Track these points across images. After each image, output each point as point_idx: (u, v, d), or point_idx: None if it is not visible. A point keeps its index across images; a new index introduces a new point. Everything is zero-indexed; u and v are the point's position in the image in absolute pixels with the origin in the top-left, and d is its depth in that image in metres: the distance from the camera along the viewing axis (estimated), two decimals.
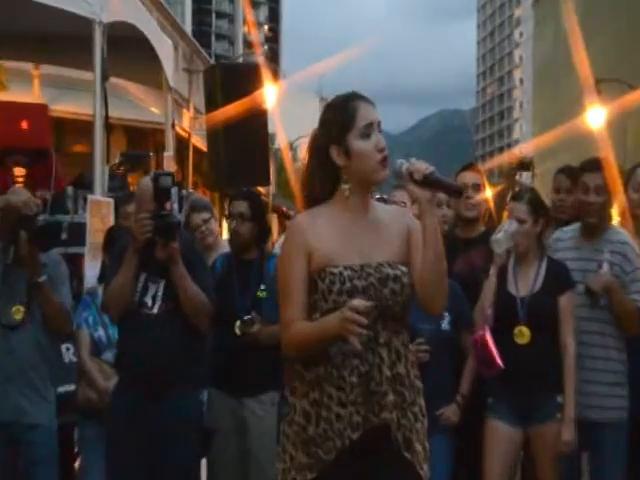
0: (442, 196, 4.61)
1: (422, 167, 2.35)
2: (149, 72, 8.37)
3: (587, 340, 3.67)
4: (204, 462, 3.93)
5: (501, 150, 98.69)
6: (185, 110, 13.63)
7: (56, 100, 8.92)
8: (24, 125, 6.11)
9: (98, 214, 5.15)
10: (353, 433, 2.31)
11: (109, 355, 4.10)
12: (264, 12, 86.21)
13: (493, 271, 3.66)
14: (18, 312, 3.49)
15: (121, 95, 10.24)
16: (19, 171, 5.75)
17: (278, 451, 2.46)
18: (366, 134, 2.37)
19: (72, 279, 4.06)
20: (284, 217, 24.84)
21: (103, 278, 4.29)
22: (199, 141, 12.99)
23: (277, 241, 9.55)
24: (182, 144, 12.57)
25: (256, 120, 6.07)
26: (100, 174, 5.54)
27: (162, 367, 3.39)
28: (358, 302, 2.23)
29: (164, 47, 7.71)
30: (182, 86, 12.98)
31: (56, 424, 3.70)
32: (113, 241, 4.19)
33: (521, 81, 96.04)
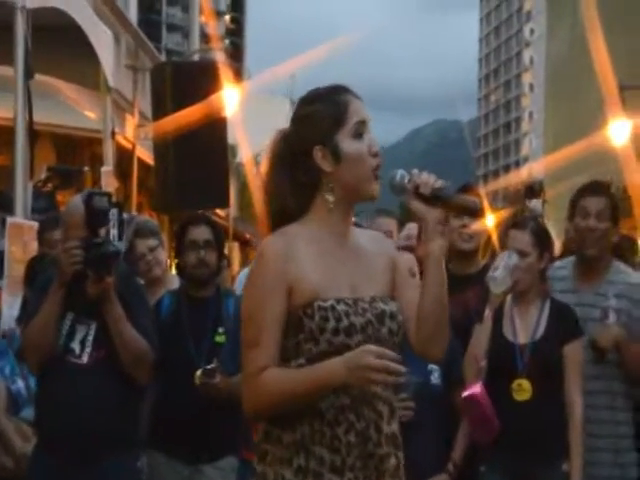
0: None
1: (431, 180, 2.33)
2: (83, 69, 8.39)
3: (593, 402, 3.71)
4: None
5: (507, 169, 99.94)
6: (128, 115, 13.65)
7: None
8: None
9: (19, 241, 5.13)
10: None
11: (30, 412, 4.06)
12: None
13: (488, 314, 3.67)
14: None
15: (49, 96, 10.23)
16: None
17: None
18: (358, 133, 2.33)
19: None
20: (247, 245, 24.82)
21: (23, 318, 4.28)
22: (145, 153, 12.99)
23: (239, 274, 9.55)
24: (124, 156, 12.56)
25: (213, 129, 6.10)
26: (22, 192, 5.54)
27: (91, 429, 3.37)
28: (378, 348, 2.20)
29: (102, 39, 7.75)
30: (125, 86, 13.01)
31: None
32: (36, 274, 4.18)
33: (531, 87, 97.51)
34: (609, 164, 16.42)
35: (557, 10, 57.45)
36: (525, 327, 3.71)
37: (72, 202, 3.65)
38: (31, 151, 5.74)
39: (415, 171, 2.35)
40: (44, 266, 4.18)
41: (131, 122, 13.23)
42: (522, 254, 3.71)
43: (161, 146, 6.44)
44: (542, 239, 3.77)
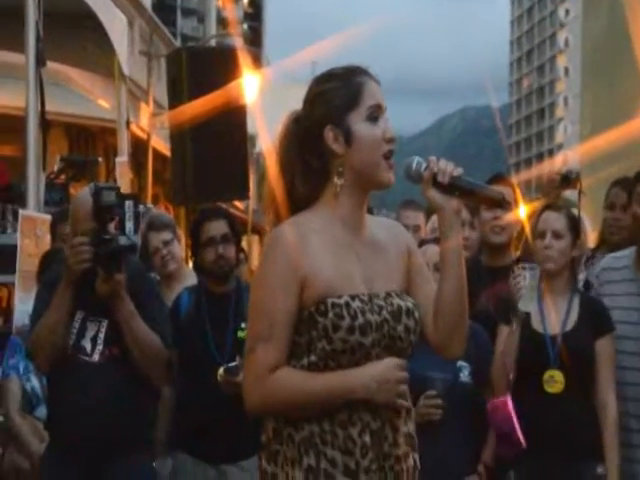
0: (464, 215, 4.66)
1: (449, 167, 2.31)
2: (97, 56, 8.45)
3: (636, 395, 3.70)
4: None
5: (540, 157, 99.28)
6: (143, 104, 13.71)
7: None
8: None
9: (32, 234, 5.17)
10: None
11: (45, 411, 4.11)
12: None
13: (516, 328, 3.66)
14: None
15: (61, 84, 10.31)
16: None
17: None
18: (373, 117, 2.31)
19: None
20: None
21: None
22: (160, 143, 13.05)
23: None
24: (139, 147, 12.62)
25: (232, 118, 6.12)
26: (34, 184, 5.58)
27: (103, 429, 3.39)
28: (400, 360, 2.24)
29: (116, 25, 7.78)
30: (139, 74, 13.06)
31: None
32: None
33: (566, 71, 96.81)
34: None
35: None
36: (555, 318, 3.70)
37: (79, 195, 3.66)
38: (43, 141, 5.77)
39: (432, 158, 2.34)
40: (58, 261, 4.23)
41: (146, 111, 13.29)
42: (556, 235, 3.70)
43: (177, 136, 6.47)
44: (576, 225, 3.76)
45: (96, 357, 3.46)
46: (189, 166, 6.17)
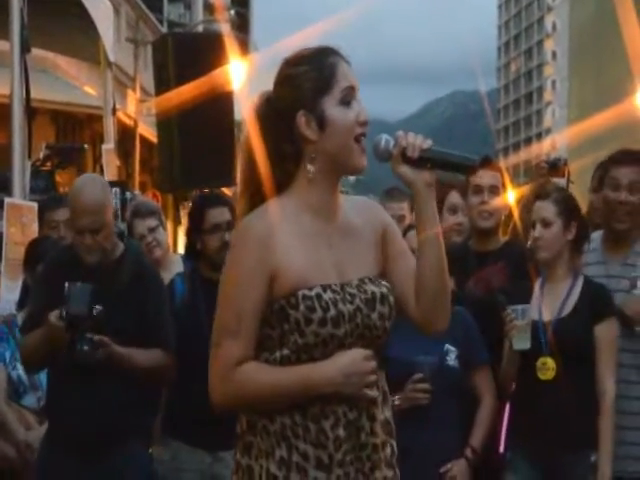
0: (457, 200, 4.67)
1: (418, 141, 2.25)
2: (82, 42, 8.40)
3: (622, 377, 3.70)
4: None
5: (528, 141, 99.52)
6: (130, 91, 13.67)
7: None
8: None
9: (17, 222, 5.16)
10: None
11: (32, 399, 4.11)
12: None
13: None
14: None
15: (47, 71, 10.28)
16: None
17: None
18: (346, 100, 2.25)
19: None
20: None
21: (24, 303, 4.31)
22: (147, 130, 13.03)
23: None
24: (126, 134, 12.61)
25: (219, 104, 6.10)
26: (20, 171, 5.55)
27: (103, 420, 3.41)
28: (368, 351, 2.21)
29: (101, 11, 7.74)
30: (125, 61, 13.03)
31: None
32: (37, 257, 4.21)
33: (554, 55, 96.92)
34: (638, 134, 16.34)
35: None
36: (551, 304, 3.70)
37: (75, 189, 3.61)
38: (29, 129, 5.74)
39: (400, 133, 2.28)
40: (45, 250, 4.21)
41: (133, 98, 13.26)
42: (545, 224, 3.69)
43: (164, 122, 6.45)
44: (567, 208, 3.73)
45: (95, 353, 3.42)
46: (176, 153, 6.16)
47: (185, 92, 5.92)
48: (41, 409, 4.09)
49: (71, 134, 13.04)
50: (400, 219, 4.70)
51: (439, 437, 3.56)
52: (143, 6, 17.06)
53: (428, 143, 2.26)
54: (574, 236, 3.74)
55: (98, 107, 9.62)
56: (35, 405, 4.12)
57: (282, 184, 2.29)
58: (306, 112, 2.25)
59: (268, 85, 2.38)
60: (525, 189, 5.03)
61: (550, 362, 3.61)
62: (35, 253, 4.28)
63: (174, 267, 4.57)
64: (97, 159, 9.54)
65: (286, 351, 2.23)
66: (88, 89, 11.56)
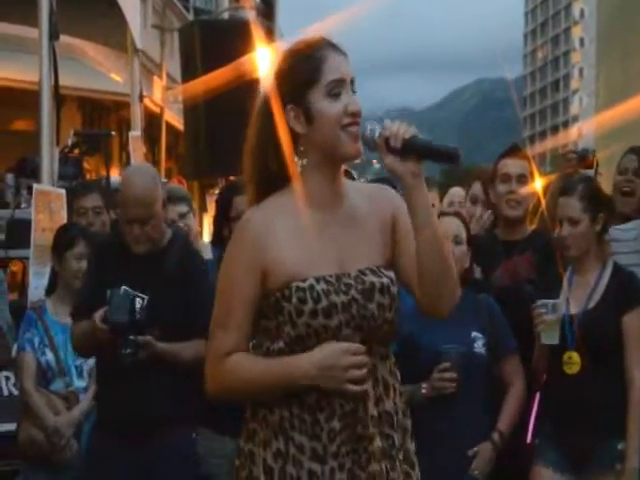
0: (477, 192, 4.63)
1: (400, 130, 2.22)
2: (110, 30, 8.43)
3: None
4: None
5: (555, 130, 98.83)
6: (156, 78, 13.68)
7: None
8: None
9: (46, 209, 5.18)
10: None
11: (60, 385, 4.13)
12: None
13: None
14: None
15: (75, 58, 10.31)
16: None
17: None
18: (335, 93, 2.24)
19: (12, 290, 4.09)
20: None
21: (52, 289, 4.33)
22: (174, 117, 13.05)
23: None
24: (153, 121, 12.62)
25: (245, 91, 6.09)
26: (48, 158, 5.58)
27: (151, 408, 3.46)
28: (350, 345, 2.19)
29: None
30: (152, 48, 13.02)
31: None
32: (65, 244, 4.23)
33: (582, 42, 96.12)
34: None
35: None
36: (579, 297, 3.68)
37: (126, 179, 3.62)
38: (57, 116, 5.77)
39: (386, 122, 2.26)
40: (74, 236, 4.23)
41: (159, 85, 13.26)
42: (572, 222, 3.67)
43: (191, 110, 6.47)
44: (594, 201, 3.70)
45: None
46: (202, 140, 6.18)
47: (211, 79, 5.94)
48: (68, 394, 4.13)
49: (98, 121, 13.09)
50: None
51: (466, 424, 3.55)
52: None
53: (411, 132, 2.22)
54: (601, 227, 3.72)
55: (125, 94, 9.64)
56: (63, 391, 4.14)
57: (284, 176, 2.30)
58: (294, 106, 2.26)
59: None
60: (552, 179, 4.98)
61: (575, 357, 3.60)
62: (63, 240, 4.29)
63: (204, 253, 4.58)
64: (124, 146, 9.58)
65: (281, 343, 2.26)
66: (115, 76, 11.58)
